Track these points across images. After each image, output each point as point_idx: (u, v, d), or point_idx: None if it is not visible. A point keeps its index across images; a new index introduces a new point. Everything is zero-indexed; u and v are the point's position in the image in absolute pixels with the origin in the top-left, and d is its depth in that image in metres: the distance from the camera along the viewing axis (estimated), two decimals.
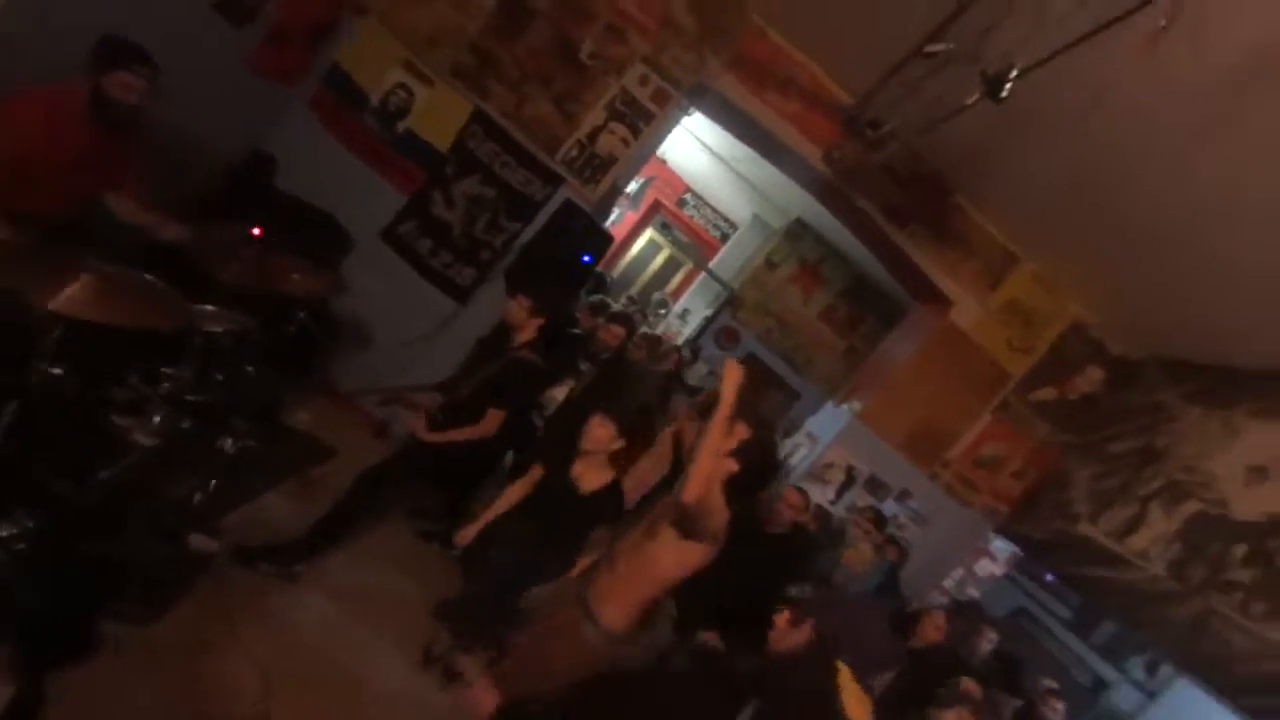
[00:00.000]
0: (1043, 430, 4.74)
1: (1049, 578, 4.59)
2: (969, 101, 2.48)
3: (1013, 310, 4.57)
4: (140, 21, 2.80)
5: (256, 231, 3.33)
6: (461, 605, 2.92)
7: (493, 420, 3.07)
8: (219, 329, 2.58)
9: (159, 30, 2.80)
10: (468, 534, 2.88)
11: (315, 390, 4.02)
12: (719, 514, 1.99)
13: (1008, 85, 2.08)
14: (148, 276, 2.39)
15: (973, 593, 4.68)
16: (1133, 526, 4.22)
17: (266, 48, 3.84)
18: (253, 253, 3.05)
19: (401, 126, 4.24)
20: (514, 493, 2.96)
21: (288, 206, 4.01)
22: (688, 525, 1.97)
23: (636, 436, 3.14)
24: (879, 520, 4.12)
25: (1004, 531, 4.78)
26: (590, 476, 2.80)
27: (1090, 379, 4.71)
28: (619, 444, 2.79)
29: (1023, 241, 4.48)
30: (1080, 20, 2.09)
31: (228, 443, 2.66)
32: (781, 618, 2.66)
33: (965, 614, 4.14)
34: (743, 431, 2.09)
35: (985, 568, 4.75)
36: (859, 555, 3.92)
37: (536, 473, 2.99)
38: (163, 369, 2.43)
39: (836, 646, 2.74)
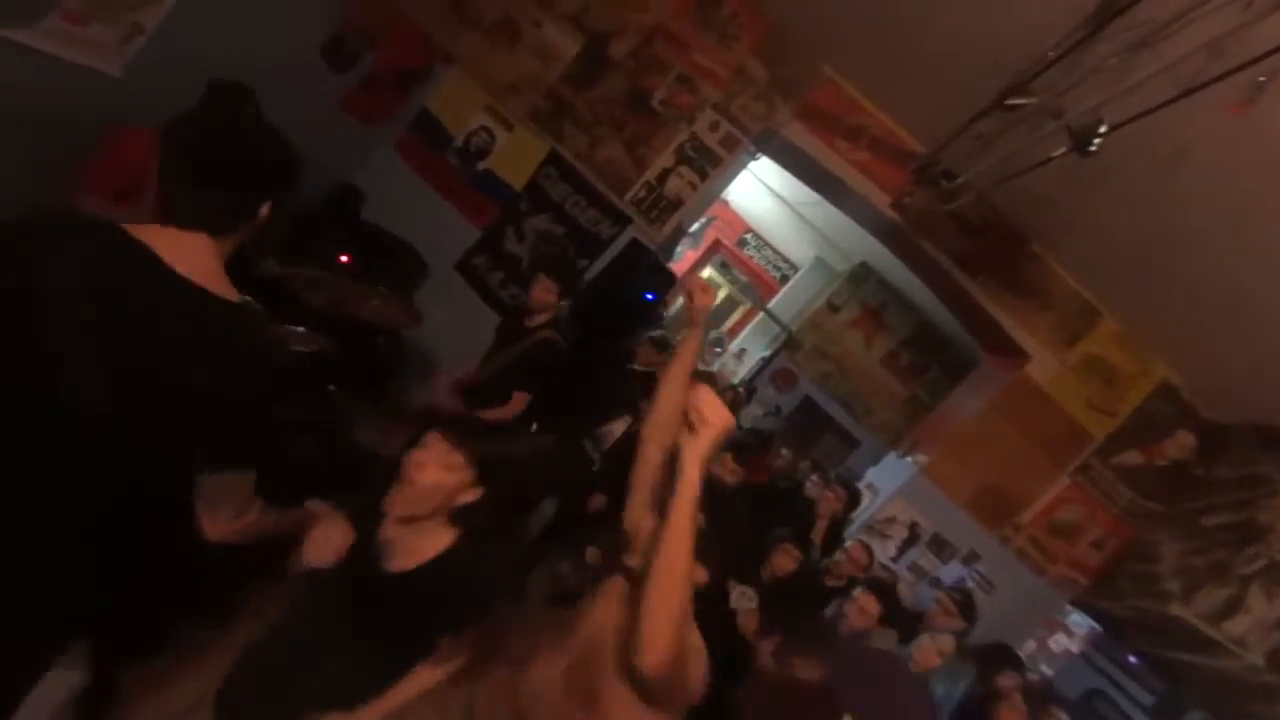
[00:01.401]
0: (1126, 497, 4.43)
1: (1133, 659, 4.22)
2: (1054, 154, 2.42)
3: (1093, 367, 4.34)
4: (256, 61, 3.07)
5: (345, 258, 3.56)
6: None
7: (519, 402, 2.94)
8: (305, 349, 2.75)
9: (270, 68, 3.07)
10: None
11: (387, 412, 4.17)
12: (695, 659, 1.22)
13: (1097, 140, 2.02)
14: (244, 297, 2.58)
15: (1045, 670, 4.34)
16: (1230, 610, 3.86)
17: (360, 92, 4.15)
18: (339, 278, 3.25)
19: (481, 166, 4.46)
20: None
21: (373, 236, 4.26)
22: (653, 692, 1.16)
23: None
24: (966, 606, 3.28)
25: (1082, 605, 4.44)
26: (409, 544, 1.46)
27: (1180, 445, 4.39)
28: (469, 494, 1.48)
29: (1104, 296, 4.29)
30: (1165, 83, 2.04)
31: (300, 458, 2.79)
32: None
33: (1033, 692, 3.81)
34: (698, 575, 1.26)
35: (1060, 643, 4.41)
36: (935, 647, 2.85)
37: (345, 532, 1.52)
38: None
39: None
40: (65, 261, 0.98)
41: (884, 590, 2.88)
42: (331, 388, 2.93)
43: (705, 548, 1.22)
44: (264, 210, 1.18)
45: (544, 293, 3.04)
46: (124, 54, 2.70)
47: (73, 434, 0.97)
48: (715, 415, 1.15)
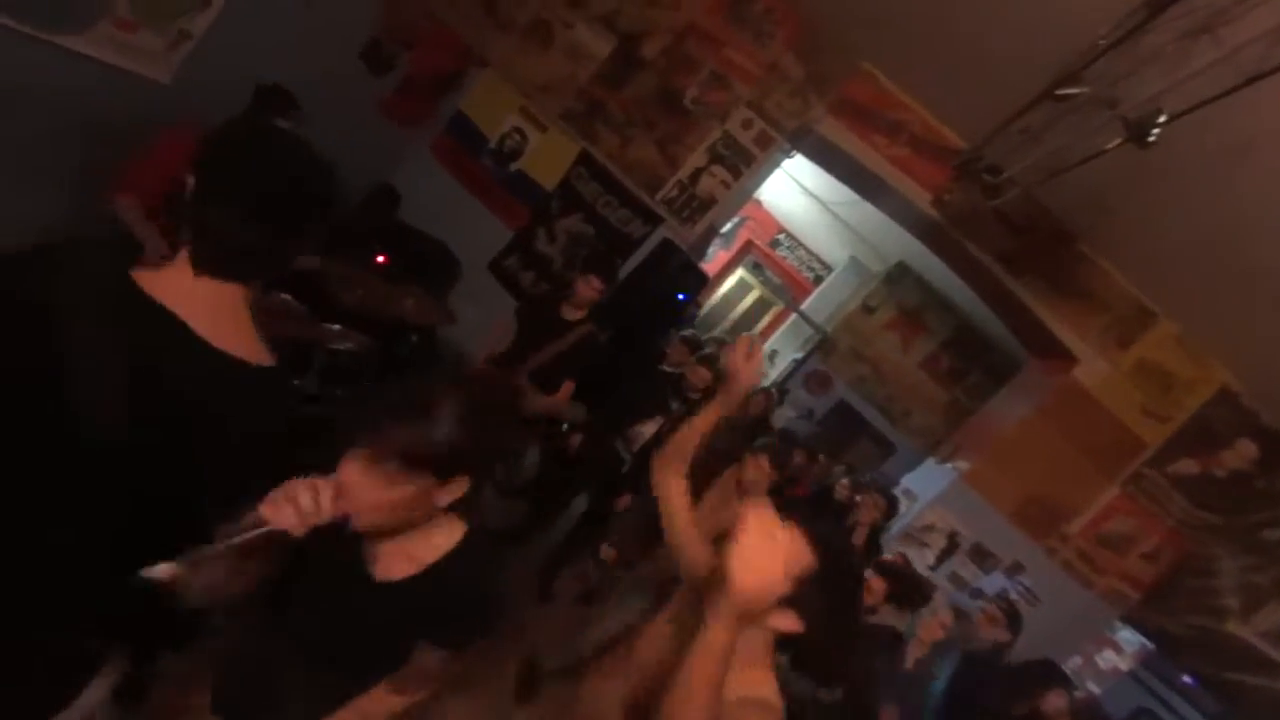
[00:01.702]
0: (1181, 508, 4.20)
1: (1189, 679, 4.01)
2: (1109, 146, 2.31)
3: (1147, 372, 4.14)
4: (298, 66, 3.15)
5: (381, 259, 3.61)
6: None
7: (567, 390, 3.16)
8: (342, 347, 2.79)
9: (312, 72, 3.14)
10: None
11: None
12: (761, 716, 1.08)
13: (1155, 130, 1.92)
14: (283, 296, 2.64)
15: (1092, 688, 4.15)
16: None
17: (397, 95, 4.22)
18: (375, 278, 3.30)
19: (514, 167, 4.49)
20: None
21: (408, 236, 4.32)
22: None
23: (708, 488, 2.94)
24: (1013, 616, 3.20)
25: (1132, 620, 4.24)
26: (403, 548, 1.18)
27: (1241, 454, 4.15)
28: (451, 491, 1.11)
29: (1160, 297, 4.08)
30: (1225, 71, 1.92)
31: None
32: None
33: (1079, 712, 3.62)
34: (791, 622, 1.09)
35: (1108, 660, 4.21)
36: (939, 621, 2.89)
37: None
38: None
39: None
40: (81, 291, 0.93)
41: (890, 571, 2.98)
42: (368, 385, 2.97)
43: (804, 602, 1.11)
44: (296, 253, 1.08)
45: (589, 290, 3.14)
46: (172, 61, 2.79)
47: (89, 445, 0.96)
48: (750, 580, 0.86)
